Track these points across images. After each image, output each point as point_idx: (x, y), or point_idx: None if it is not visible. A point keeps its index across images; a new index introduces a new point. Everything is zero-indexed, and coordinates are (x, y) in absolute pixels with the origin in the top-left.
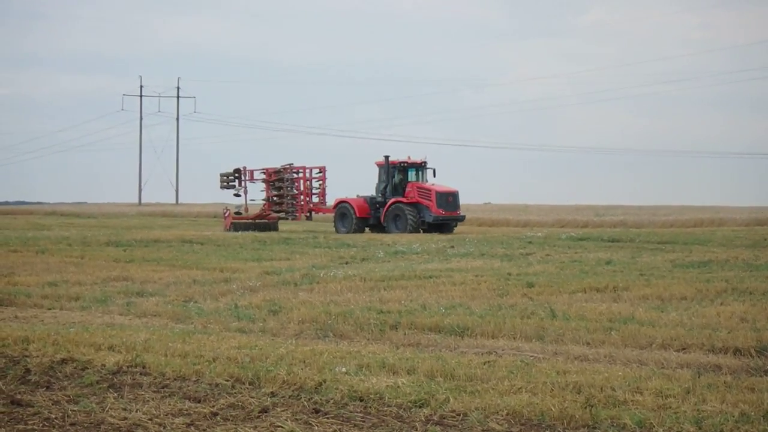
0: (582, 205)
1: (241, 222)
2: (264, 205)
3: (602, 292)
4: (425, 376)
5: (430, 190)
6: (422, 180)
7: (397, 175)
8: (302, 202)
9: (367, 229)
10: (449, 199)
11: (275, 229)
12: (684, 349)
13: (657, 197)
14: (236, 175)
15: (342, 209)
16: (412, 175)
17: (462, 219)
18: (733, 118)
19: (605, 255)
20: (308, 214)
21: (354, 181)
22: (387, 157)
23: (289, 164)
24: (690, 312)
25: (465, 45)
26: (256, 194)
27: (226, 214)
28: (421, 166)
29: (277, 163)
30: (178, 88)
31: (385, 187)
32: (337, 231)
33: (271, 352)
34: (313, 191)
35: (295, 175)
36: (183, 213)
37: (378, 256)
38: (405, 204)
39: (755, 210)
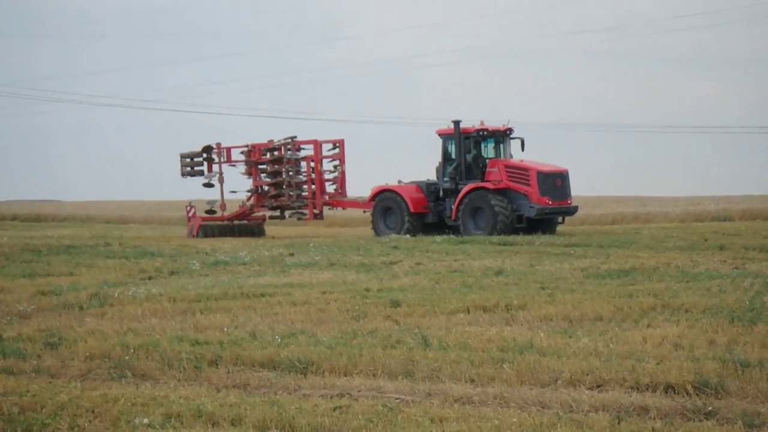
0: None
1: (213, 224)
2: (249, 198)
3: (491, 312)
4: (256, 429)
5: (528, 170)
6: (506, 155)
7: (472, 149)
8: (313, 193)
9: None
10: (557, 182)
11: (260, 233)
12: (599, 386)
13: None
14: (206, 155)
15: (386, 201)
16: (489, 150)
17: (574, 211)
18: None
19: (495, 262)
20: (319, 211)
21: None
22: (457, 123)
23: (291, 138)
24: (607, 337)
25: None
26: (237, 183)
27: (191, 213)
28: (504, 135)
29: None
30: None
31: (457, 167)
32: (378, 234)
33: (48, 399)
34: (328, 177)
35: (299, 154)
36: None
37: (192, 267)
38: (491, 191)
39: (692, 201)
